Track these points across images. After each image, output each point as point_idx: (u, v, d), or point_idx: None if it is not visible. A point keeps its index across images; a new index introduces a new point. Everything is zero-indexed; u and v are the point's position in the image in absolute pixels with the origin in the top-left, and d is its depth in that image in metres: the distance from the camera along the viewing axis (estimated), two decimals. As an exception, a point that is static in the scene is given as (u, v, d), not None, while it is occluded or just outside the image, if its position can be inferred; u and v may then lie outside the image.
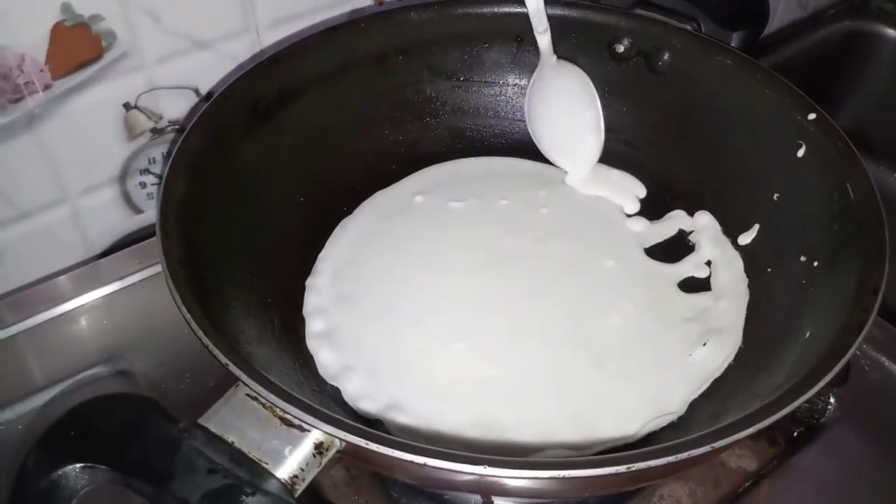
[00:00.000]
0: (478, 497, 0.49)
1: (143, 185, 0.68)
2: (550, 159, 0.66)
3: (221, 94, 0.56)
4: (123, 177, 0.66)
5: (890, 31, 1.02)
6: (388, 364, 0.52)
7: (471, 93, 0.67)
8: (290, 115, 0.60)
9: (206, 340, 0.40)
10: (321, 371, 0.52)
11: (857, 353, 0.56)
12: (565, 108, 0.64)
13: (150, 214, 0.69)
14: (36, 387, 0.58)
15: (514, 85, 0.67)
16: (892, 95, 1.01)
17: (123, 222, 0.68)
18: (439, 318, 0.55)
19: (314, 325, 0.55)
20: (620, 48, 0.63)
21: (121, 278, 0.64)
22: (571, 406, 0.50)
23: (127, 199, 0.67)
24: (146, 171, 0.67)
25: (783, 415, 0.37)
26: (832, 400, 0.55)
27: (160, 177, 0.67)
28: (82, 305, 0.63)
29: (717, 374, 0.51)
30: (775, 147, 0.56)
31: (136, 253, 0.66)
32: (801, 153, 0.54)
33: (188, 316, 0.41)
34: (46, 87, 0.58)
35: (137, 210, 0.68)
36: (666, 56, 0.62)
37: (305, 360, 0.53)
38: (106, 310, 0.63)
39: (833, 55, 1.03)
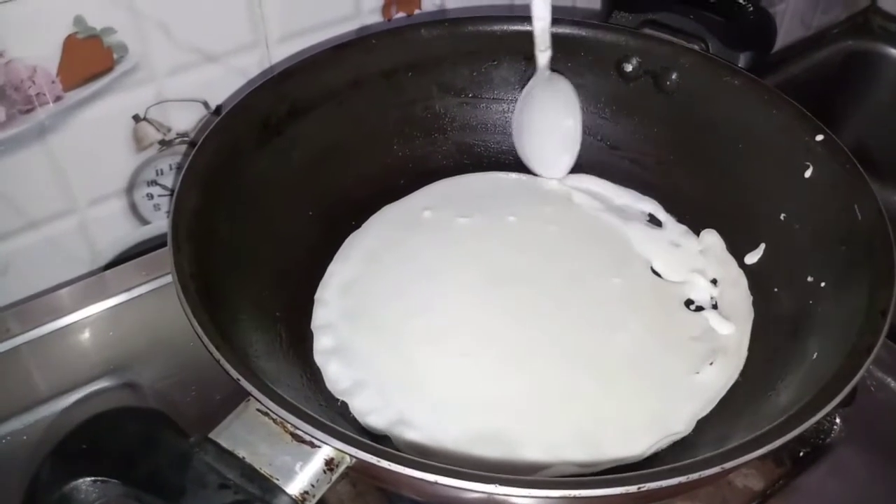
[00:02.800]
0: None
1: (151, 196, 0.68)
2: (528, 166, 0.67)
3: (233, 109, 0.57)
4: (131, 188, 0.66)
5: (892, 51, 1.03)
6: (396, 379, 0.52)
7: (479, 109, 0.68)
8: (301, 130, 0.60)
9: (217, 355, 0.40)
10: (329, 385, 0.52)
11: (864, 373, 0.57)
12: (546, 117, 0.65)
13: (157, 226, 0.69)
14: (41, 398, 0.57)
15: (522, 102, 0.68)
16: (895, 114, 1.01)
17: (130, 233, 0.68)
18: (447, 334, 0.55)
19: (322, 340, 0.55)
20: (629, 67, 0.64)
21: (128, 290, 0.64)
22: (578, 424, 0.50)
23: (134, 210, 0.68)
24: (154, 183, 0.67)
25: (792, 437, 0.37)
26: (838, 420, 0.55)
27: (168, 189, 0.67)
28: (88, 317, 0.63)
29: (723, 393, 0.51)
30: (782, 167, 0.56)
31: (142, 265, 0.66)
32: (808, 174, 0.54)
33: (200, 330, 0.41)
34: (57, 99, 0.58)
35: (144, 221, 0.69)
36: (674, 76, 0.62)
37: (313, 375, 0.53)
38: (112, 321, 0.63)
39: (836, 74, 1.04)
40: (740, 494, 0.51)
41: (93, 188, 0.64)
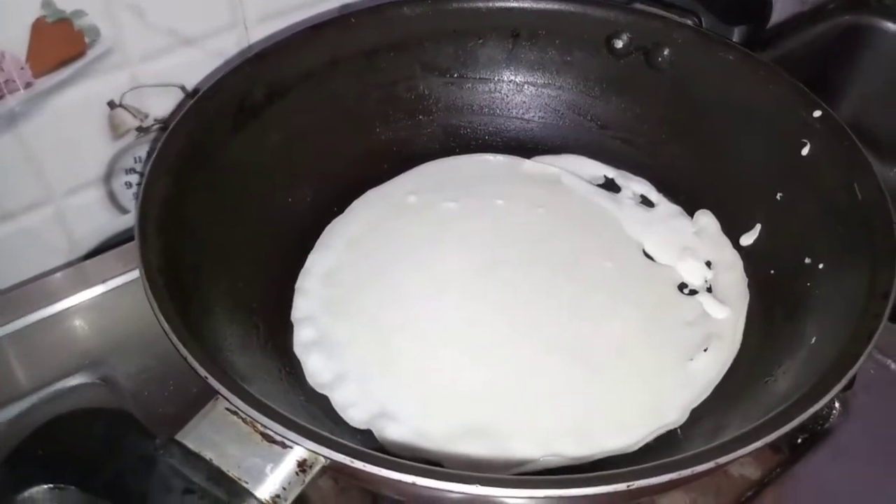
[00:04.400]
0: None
1: (129, 184, 0.67)
2: None
3: (206, 92, 0.55)
4: (109, 176, 0.65)
5: (890, 25, 1.01)
6: (378, 371, 0.51)
7: (465, 90, 0.66)
8: (278, 112, 0.58)
9: (183, 352, 0.38)
10: (309, 379, 0.51)
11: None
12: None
13: (136, 214, 0.68)
14: (16, 393, 0.56)
15: (510, 81, 0.66)
16: (892, 89, 0.99)
17: (110, 223, 0.67)
18: (433, 323, 0.54)
19: (302, 331, 0.54)
20: (619, 44, 0.62)
21: (104, 281, 0.63)
22: (569, 415, 0.48)
23: (112, 199, 0.66)
24: (132, 171, 0.66)
25: (790, 428, 0.36)
26: (837, 405, 0.54)
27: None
28: (65, 309, 0.62)
29: (718, 380, 0.50)
30: (779, 145, 0.54)
31: (121, 255, 0.65)
32: (805, 151, 0.53)
33: (166, 326, 0.40)
34: (28, 86, 0.57)
35: (123, 210, 0.67)
36: (666, 52, 0.61)
37: (292, 368, 0.52)
38: (89, 313, 0.62)
39: (833, 49, 1.03)
40: (736, 484, 0.50)
41: (69, 177, 0.63)
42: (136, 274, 0.62)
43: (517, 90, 0.66)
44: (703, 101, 0.59)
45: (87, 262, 0.66)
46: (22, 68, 0.56)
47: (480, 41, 0.65)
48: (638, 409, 0.49)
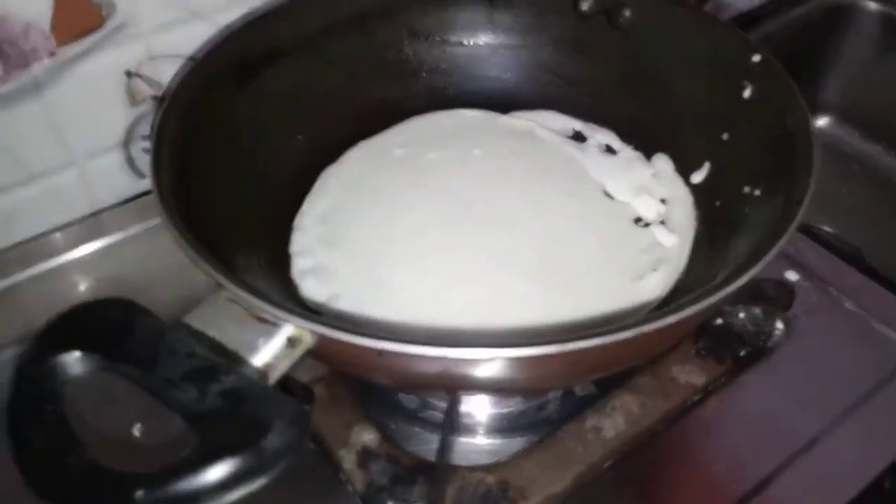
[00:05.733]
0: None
1: (147, 150, 0.70)
2: None
3: (210, 50, 0.60)
4: (128, 142, 0.69)
5: (871, 5, 1.02)
6: (368, 294, 0.56)
7: (447, 53, 0.71)
8: (277, 72, 0.63)
9: (185, 247, 0.44)
10: (305, 299, 0.56)
11: (805, 283, 0.61)
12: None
13: (154, 179, 0.73)
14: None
15: (486, 44, 0.71)
16: (875, 69, 1.01)
17: (129, 186, 0.71)
18: (416, 255, 0.59)
19: (300, 261, 0.59)
20: (585, 6, 0.67)
21: (123, 229, 0.68)
22: (528, 325, 0.54)
23: (131, 163, 0.71)
24: (149, 138, 0.69)
25: (701, 308, 0.41)
26: (780, 325, 0.59)
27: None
28: (85, 255, 0.67)
29: (663, 296, 0.55)
30: (722, 89, 0.59)
31: (139, 206, 0.70)
32: (746, 94, 0.58)
33: (172, 228, 0.45)
34: (51, 55, 0.61)
35: (141, 175, 0.71)
36: (627, 13, 0.65)
37: (289, 294, 0.57)
38: (108, 260, 0.67)
39: (815, 29, 1.04)
40: (682, 389, 0.55)
41: (91, 142, 0.67)
42: (151, 223, 0.68)
43: (494, 52, 0.71)
44: (658, 55, 0.64)
45: (105, 213, 0.70)
46: (46, 38, 0.59)
47: (460, 7, 0.70)
48: (591, 322, 0.54)
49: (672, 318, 0.40)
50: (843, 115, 1.04)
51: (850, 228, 0.86)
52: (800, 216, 0.45)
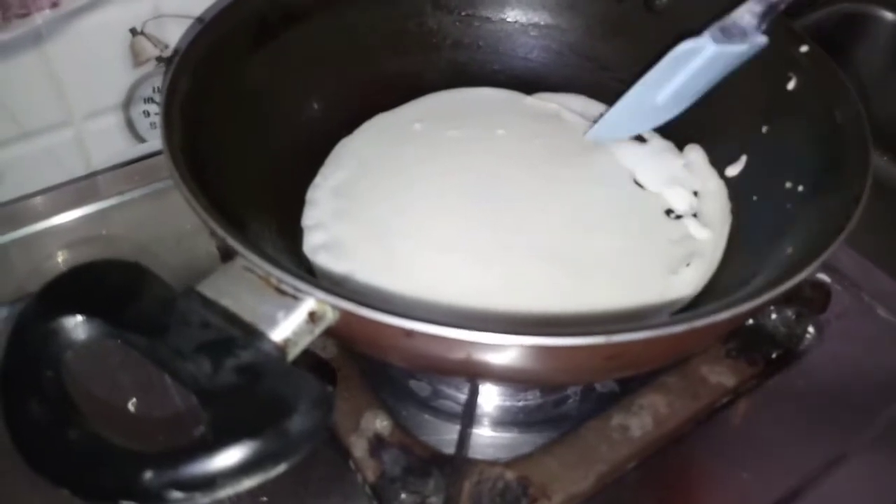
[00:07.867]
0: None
1: (147, 113, 0.68)
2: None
3: (226, 9, 0.57)
4: (128, 104, 0.67)
5: (887, 13, 1.02)
6: (383, 270, 0.53)
7: (472, 27, 0.68)
8: (295, 37, 0.60)
9: (202, 213, 0.41)
10: (318, 275, 0.53)
11: (838, 286, 0.58)
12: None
13: (153, 144, 0.70)
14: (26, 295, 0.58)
15: (515, 21, 0.69)
16: (889, 77, 1.01)
17: (126, 150, 0.69)
18: (434, 232, 0.56)
19: (312, 236, 0.56)
20: (620, -13, 0.65)
21: (119, 193, 0.66)
22: (550, 313, 0.51)
23: (130, 126, 0.68)
24: (151, 101, 0.68)
25: (748, 309, 0.38)
26: (811, 329, 0.57)
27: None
28: (78, 218, 0.64)
29: (697, 292, 0.53)
30: (766, 80, 0.57)
31: (135, 170, 0.68)
32: (791, 86, 0.55)
33: (185, 191, 0.42)
34: (54, 5, 0.58)
35: (140, 139, 0.69)
36: (662, -6, 0.63)
37: (303, 267, 0.54)
38: (101, 224, 0.64)
39: (830, 37, 1.04)
40: (712, 389, 0.53)
41: (90, 101, 0.65)
42: (148, 189, 0.65)
43: (522, 30, 0.68)
44: (695, 41, 0.62)
45: (100, 175, 0.68)
46: (49, -14, 0.57)
47: (486, -21, 0.67)
48: (619, 316, 0.51)
49: (727, 314, 0.38)
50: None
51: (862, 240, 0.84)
52: (857, 214, 0.42)
